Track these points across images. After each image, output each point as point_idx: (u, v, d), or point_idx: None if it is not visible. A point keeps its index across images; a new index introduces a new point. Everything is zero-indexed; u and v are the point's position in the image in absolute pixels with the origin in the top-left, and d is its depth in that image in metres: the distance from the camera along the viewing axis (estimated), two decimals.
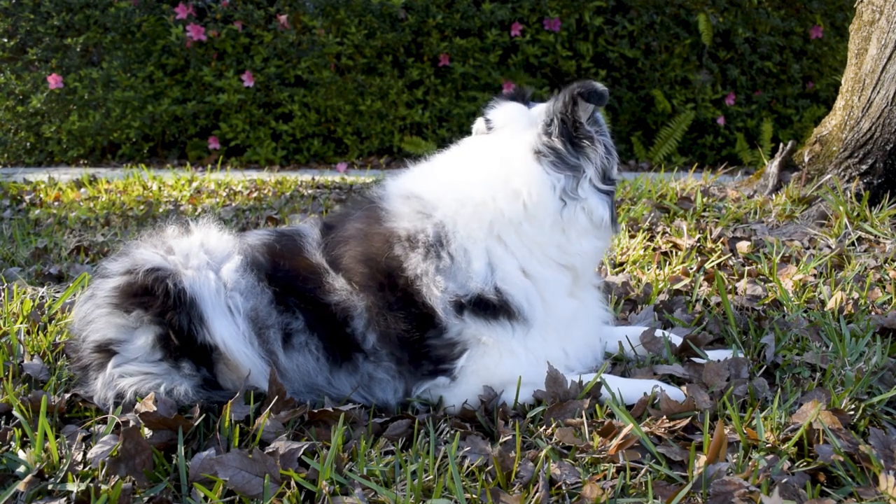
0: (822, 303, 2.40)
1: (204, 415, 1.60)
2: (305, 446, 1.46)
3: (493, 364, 1.72)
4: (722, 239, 3.13)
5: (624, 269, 2.86)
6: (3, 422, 1.66)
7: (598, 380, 1.72)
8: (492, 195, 1.76)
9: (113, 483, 1.36)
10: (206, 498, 1.33)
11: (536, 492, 1.34)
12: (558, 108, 1.77)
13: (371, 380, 1.75)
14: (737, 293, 2.54)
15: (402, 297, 1.71)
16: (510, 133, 1.84)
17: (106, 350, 1.69)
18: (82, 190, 5.15)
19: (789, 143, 3.76)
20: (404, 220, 1.77)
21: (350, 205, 2.00)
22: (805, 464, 1.42)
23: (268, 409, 1.57)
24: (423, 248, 1.73)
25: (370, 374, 1.74)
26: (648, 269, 2.79)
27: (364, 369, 1.74)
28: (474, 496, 1.34)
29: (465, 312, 1.71)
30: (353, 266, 1.74)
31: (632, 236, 3.19)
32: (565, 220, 1.77)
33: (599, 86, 1.75)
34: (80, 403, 1.73)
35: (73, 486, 1.36)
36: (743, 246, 3.01)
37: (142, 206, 4.46)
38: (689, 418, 1.57)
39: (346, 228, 1.82)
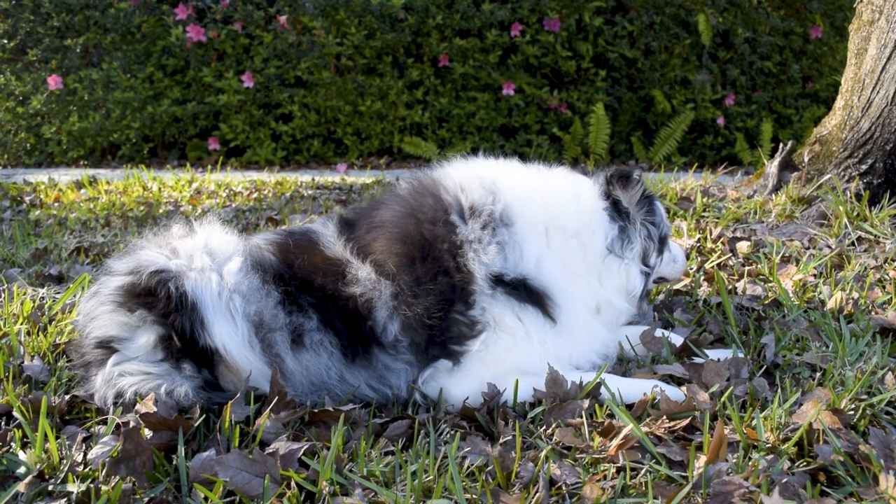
0: (822, 303, 2.40)
1: (204, 415, 1.60)
2: (305, 447, 1.46)
3: (503, 350, 1.73)
4: (722, 239, 3.13)
5: None
6: (3, 423, 1.66)
7: (598, 380, 1.72)
8: (563, 199, 1.90)
9: (113, 484, 1.36)
10: (206, 498, 1.33)
11: (536, 492, 1.34)
12: (602, 180, 1.97)
13: (387, 370, 1.76)
14: (737, 293, 2.54)
15: (436, 266, 1.74)
16: (585, 178, 2.04)
17: (107, 347, 1.69)
18: (82, 191, 5.15)
19: (789, 144, 3.77)
20: (474, 193, 1.83)
21: (380, 198, 2.05)
22: (805, 464, 1.42)
23: (268, 410, 1.57)
24: (486, 218, 1.79)
25: (386, 366, 1.75)
26: None
27: (381, 362, 1.74)
28: (474, 496, 1.34)
29: (499, 289, 1.74)
30: (388, 247, 1.76)
31: None
32: (605, 268, 1.91)
33: (632, 172, 1.95)
34: (81, 404, 1.73)
35: (74, 487, 1.36)
36: (743, 246, 3.01)
37: (142, 207, 4.46)
38: (689, 418, 1.57)
39: (378, 215, 1.85)
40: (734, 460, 1.42)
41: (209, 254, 1.75)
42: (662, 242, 2.07)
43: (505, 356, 1.73)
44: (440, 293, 1.72)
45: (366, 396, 1.76)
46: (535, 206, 1.85)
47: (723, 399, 1.63)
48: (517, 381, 1.71)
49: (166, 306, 1.65)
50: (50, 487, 1.38)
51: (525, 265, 1.77)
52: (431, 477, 1.41)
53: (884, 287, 2.53)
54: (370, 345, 1.73)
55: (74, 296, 2.47)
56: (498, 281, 1.74)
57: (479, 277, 1.73)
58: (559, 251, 1.84)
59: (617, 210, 1.95)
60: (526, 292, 1.76)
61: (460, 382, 1.73)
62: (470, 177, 1.87)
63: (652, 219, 2.02)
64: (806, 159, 3.64)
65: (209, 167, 6.27)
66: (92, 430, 1.61)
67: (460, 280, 1.73)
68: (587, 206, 1.92)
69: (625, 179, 1.92)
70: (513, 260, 1.77)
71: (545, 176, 1.99)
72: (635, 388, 1.74)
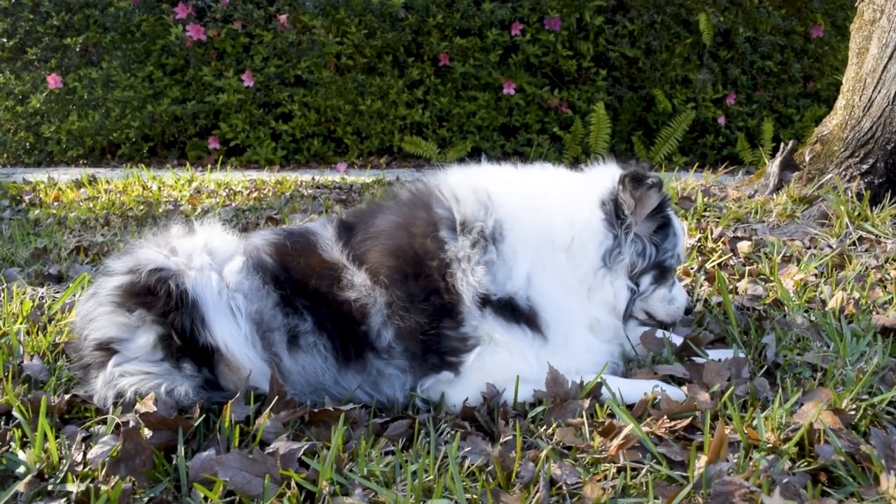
0: (823, 302, 2.40)
1: (204, 415, 1.60)
2: (306, 446, 1.45)
3: (501, 363, 1.73)
4: (723, 238, 3.13)
5: None
6: (2, 422, 1.66)
7: (599, 380, 1.72)
8: (554, 211, 1.82)
9: (113, 483, 1.35)
10: (206, 498, 1.33)
11: (537, 492, 1.34)
12: (616, 179, 1.83)
13: (380, 376, 1.75)
14: (738, 293, 2.54)
15: (427, 284, 1.72)
16: (592, 176, 1.92)
17: (107, 348, 1.68)
18: (82, 190, 5.15)
19: (790, 143, 3.76)
20: (467, 206, 1.78)
21: (379, 201, 2.02)
22: (806, 464, 1.42)
23: (268, 410, 1.57)
24: (476, 236, 1.75)
25: (380, 371, 1.74)
26: None
27: (374, 367, 1.74)
28: (475, 496, 1.34)
29: (487, 309, 1.72)
30: (381, 259, 1.75)
31: None
32: (595, 282, 1.82)
33: (648, 177, 1.80)
34: (80, 404, 1.73)
35: (73, 487, 1.36)
36: (744, 245, 3.01)
37: (141, 207, 4.45)
38: (690, 418, 1.57)
39: (375, 224, 1.83)
40: (735, 460, 1.42)
41: (209, 253, 1.75)
42: (661, 271, 1.92)
43: (503, 366, 1.73)
44: (432, 312, 1.71)
45: (362, 400, 1.76)
46: (526, 220, 1.79)
47: (723, 399, 1.63)
48: (517, 378, 1.71)
49: (166, 305, 1.65)
50: (49, 487, 1.38)
51: (514, 284, 1.73)
52: (432, 477, 1.41)
53: (885, 287, 2.53)
54: (364, 349, 1.73)
55: (74, 295, 2.47)
56: (486, 301, 1.72)
57: (466, 299, 1.71)
58: (549, 267, 1.78)
59: (617, 215, 1.83)
60: (513, 312, 1.73)
61: (461, 391, 1.73)
62: (464, 188, 1.82)
63: (656, 239, 1.88)
64: (807, 159, 3.64)
65: (209, 166, 6.27)
66: (91, 429, 1.60)
67: (450, 301, 1.72)
68: (580, 216, 1.82)
69: (636, 182, 1.78)
70: (501, 280, 1.73)
71: (543, 183, 1.90)
72: (636, 387, 1.74)
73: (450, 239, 1.75)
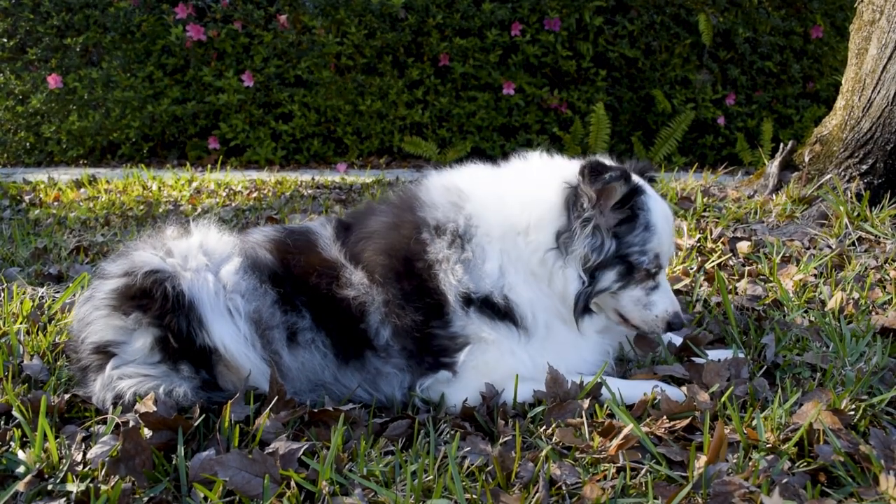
0: (823, 303, 2.40)
1: (204, 415, 1.60)
2: (305, 446, 1.46)
3: (493, 361, 1.73)
4: (722, 239, 3.13)
5: None
6: (2, 422, 1.66)
7: (599, 380, 1.72)
8: (516, 195, 1.79)
9: (113, 483, 1.35)
10: (205, 498, 1.33)
11: (536, 492, 1.34)
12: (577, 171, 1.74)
13: (378, 374, 1.76)
14: (737, 293, 2.54)
15: (417, 284, 1.73)
16: (568, 164, 1.85)
17: (104, 351, 1.69)
18: (82, 190, 5.15)
19: (790, 143, 3.76)
20: (440, 210, 1.80)
21: (375, 203, 2.04)
22: (805, 464, 1.42)
23: (268, 410, 1.57)
24: (450, 237, 1.75)
25: (378, 370, 1.75)
26: None
27: (373, 365, 1.75)
28: (474, 496, 1.34)
29: (471, 308, 1.73)
30: (375, 258, 1.76)
31: None
32: (549, 266, 1.75)
33: (608, 169, 1.68)
34: (80, 403, 1.73)
35: (73, 487, 1.36)
36: (743, 246, 3.01)
37: (141, 207, 4.45)
38: (690, 418, 1.57)
39: (369, 224, 1.85)
40: (734, 460, 1.42)
41: (206, 254, 1.75)
42: (627, 267, 1.76)
43: (496, 364, 1.74)
44: (425, 311, 1.72)
45: (362, 399, 1.76)
46: (489, 212, 1.78)
47: (723, 399, 1.63)
48: (517, 377, 1.71)
49: (162, 307, 1.64)
50: (49, 487, 1.38)
51: (488, 281, 1.73)
52: (431, 477, 1.41)
53: (884, 287, 2.53)
54: (362, 347, 1.74)
55: (74, 295, 2.47)
56: (469, 300, 1.72)
57: (451, 299, 1.72)
58: (514, 256, 1.76)
59: (576, 206, 1.72)
60: (493, 308, 1.73)
61: (459, 391, 1.73)
62: (438, 190, 1.84)
63: (620, 231, 1.72)
64: (806, 159, 3.64)
65: (209, 166, 6.27)
66: (91, 429, 1.61)
67: (437, 301, 1.73)
68: (537, 196, 1.76)
69: (595, 174, 1.66)
70: (477, 277, 1.73)
71: (513, 174, 1.87)
72: (635, 388, 1.74)
73: (430, 241, 1.76)
